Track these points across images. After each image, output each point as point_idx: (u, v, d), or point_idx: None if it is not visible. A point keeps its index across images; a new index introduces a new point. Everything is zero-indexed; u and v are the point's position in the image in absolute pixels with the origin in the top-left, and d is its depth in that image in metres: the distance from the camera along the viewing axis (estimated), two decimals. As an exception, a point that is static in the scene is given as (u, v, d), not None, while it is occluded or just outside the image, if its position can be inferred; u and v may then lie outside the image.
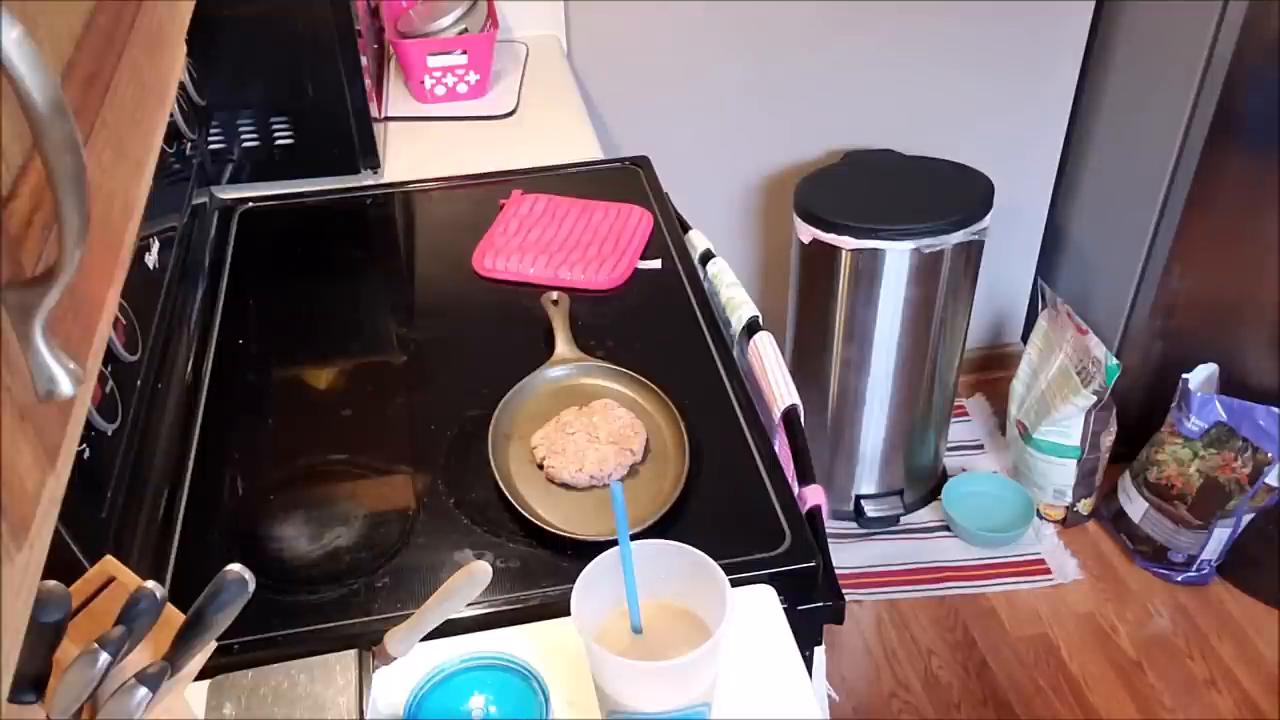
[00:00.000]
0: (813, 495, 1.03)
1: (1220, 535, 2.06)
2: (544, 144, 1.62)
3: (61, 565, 0.77)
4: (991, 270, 2.36)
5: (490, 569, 0.77)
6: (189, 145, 1.35)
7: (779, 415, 1.14)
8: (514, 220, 1.39)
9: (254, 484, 1.07)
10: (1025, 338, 2.43)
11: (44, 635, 0.57)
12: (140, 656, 0.65)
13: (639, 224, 1.38)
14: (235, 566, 0.63)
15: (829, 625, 0.99)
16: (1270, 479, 1.97)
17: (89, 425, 0.88)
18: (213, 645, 0.68)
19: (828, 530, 1.01)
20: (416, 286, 1.37)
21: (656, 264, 1.33)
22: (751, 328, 1.24)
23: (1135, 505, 2.16)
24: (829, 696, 1.07)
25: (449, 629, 0.85)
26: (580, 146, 1.62)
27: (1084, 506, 2.27)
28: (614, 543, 0.75)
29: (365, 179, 1.54)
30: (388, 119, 1.69)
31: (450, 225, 1.45)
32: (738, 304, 1.27)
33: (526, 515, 0.98)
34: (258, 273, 1.37)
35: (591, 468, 1.01)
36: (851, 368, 2.13)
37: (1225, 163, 1.94)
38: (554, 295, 1.24)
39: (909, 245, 1.94)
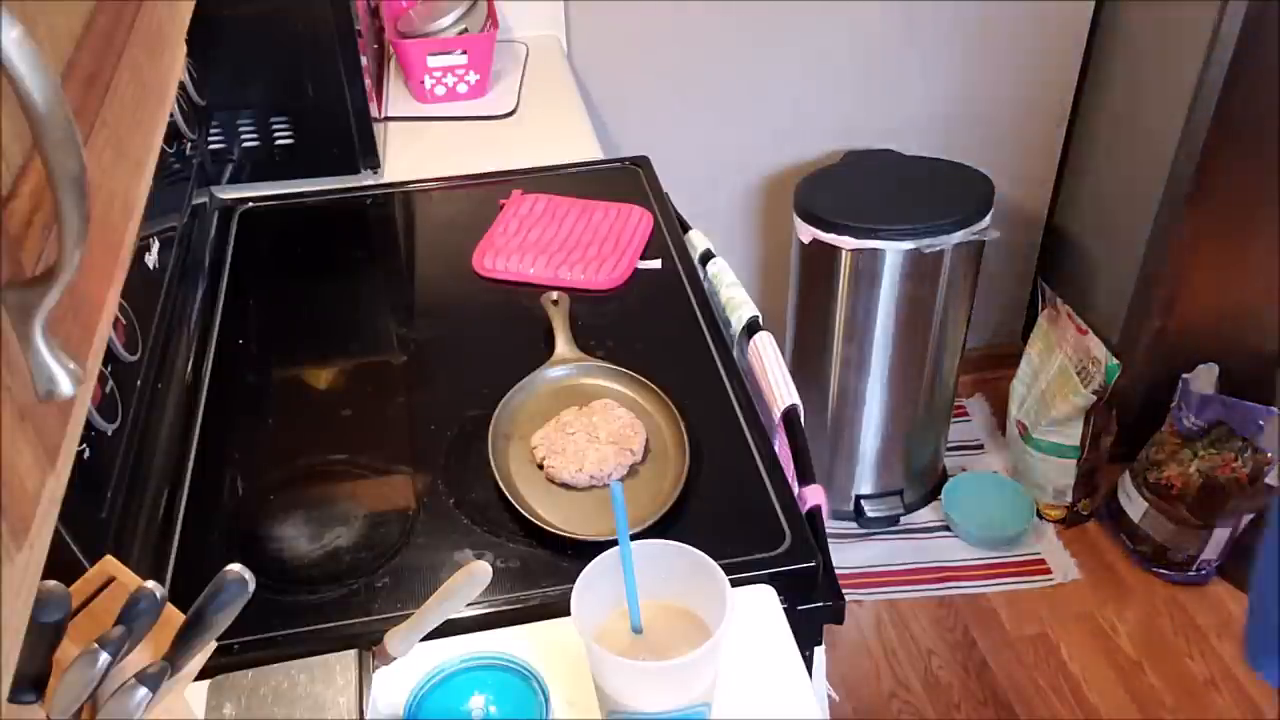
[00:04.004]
0: (813, 495, 1.03)
1: (1220, 535, 2.06)
2: (544, 144, 1.62)
3: (61, 565, 0.77)
4: (991, 270, 2.36)
5: (490, 569, 0.77)
6: (189, 145, 1.34)
7: (779, 415, 1.14)
8: (514, 220, 1.39)
9: (254, 484, 1.07)
10: (1025, 338, 2.43)
11: (44, 635, 0.57)
12: (140, 656, 0.65)
13: (639, 224, 1.38)
14: (235, 566, 0.63)
15: (829, 625, 0.99)
16: (1270, 479, 1.97)
17: (89, 425, 0.88)
18: (213, 645, 0.68)
19: (828, 530, 1.01)
20: (416, 286, 1.37)
21: (656, 264, 1.33)
22: (751, 328, 1.24)
23: (1135, 505, 2.16)
24: (829, 696, 1.07)
25: (449, 629, 0.85)
26: (580, 146, 1.62)
27: (1084, 506, 2.27)
28: (614, 543, 0.75)
29: (365, 179, 1.54)
30: (388, 119, 1.69)
31: (450, 225, 1.45)
32: (738, 304, 1.27)
33: (526, 515, 0.98)
34: (258, 273, 1.37)
35: (591, 468, 1.01)
36: (851, 367, 2.13)
37: (1225, 163, 1.94)
38: (554, 295, 1.24)
39: (909, 245, 1.94)
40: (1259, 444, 1.97)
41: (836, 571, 0.98)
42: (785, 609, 0.93)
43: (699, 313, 1.25)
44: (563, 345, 1.17)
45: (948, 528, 2.29)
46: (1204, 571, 2.13)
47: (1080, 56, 2.21)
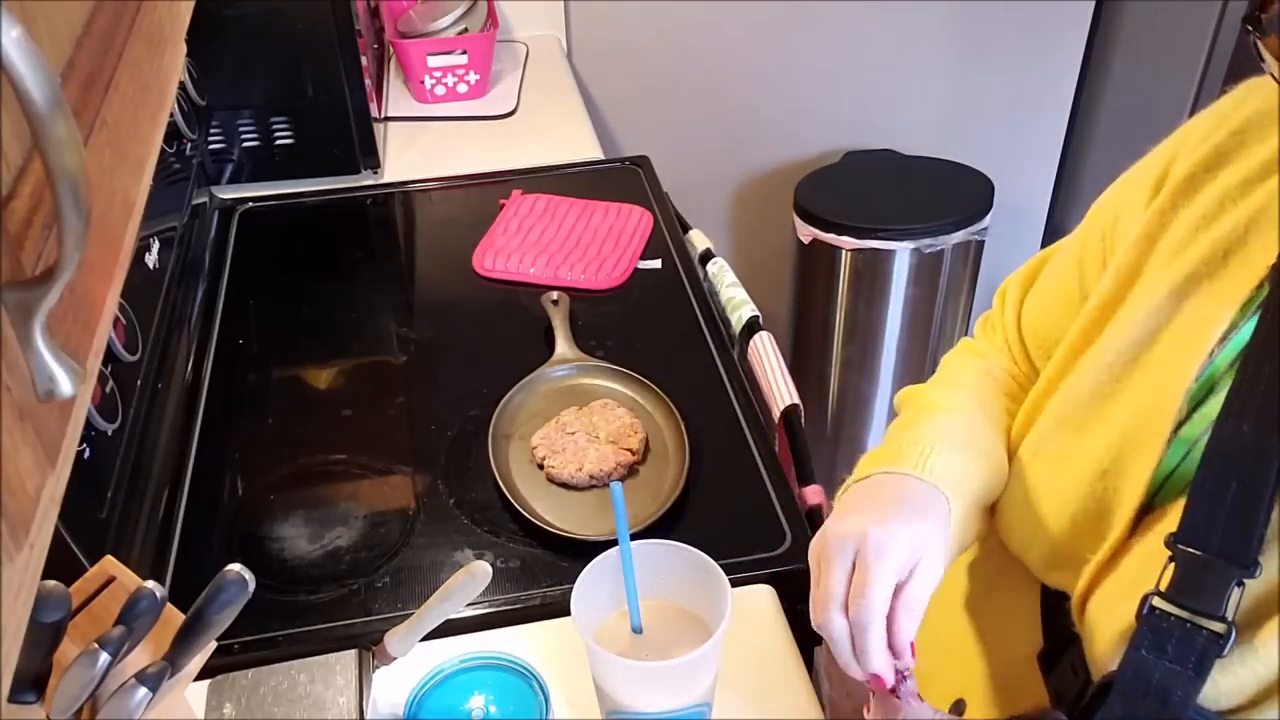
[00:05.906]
0: (813, 495, 1.03)
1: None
2: (544, 144, 1.62)
3: (61, 565, 0.77)
4: (991, 270, 2.36)
5: (490, 569, 0.77)
6: (189, 145, 1.34)
7: (779, 415, 1.14)
8: (514, 220, 1.39)
9: (254, 484, 1.07)
10: (1025, 338, 2.43)
11: (44, 635, 0.57)
12: (140, 656, 0.65)
13: (639, 224, 1.38)
14: (235, 566, 0.63)
15: (829, 625, 0.98)
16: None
17: (89, 425, 0.88)
18: (213, 645, 0.67)
19: (828, 530, 1.01)
20: (416, 286, 1.37)
21: (656, 264, 1.33)
22: (751, 328, 1.24)
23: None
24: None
25: (449, 629, 0.85)
26: (580, 146, 1.62)
27: (1084, 506, 2.26)
28: (614, 543, 0.75)
29: (365, 179, 1.54)
30: (388, 119, 1.69)
31: (450, 225, 1.45)
32: (738, 304, 1.27)
33: (526, 515, 0.98)
34: (258, 273, 1.37)
35: (591, 468, 1.01)
36: (852, 367, 2.13)
37: (1225, 163, 1.94)
38: (554, 295, 1.24)
39: (909, 245, 1.94)
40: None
41: (836, 571, 0.97)
42: (785, 609, 0.93)
43: (699, 313, 1.25)
44: (563, 345, 1.17)
45: (948, 528, 2.28)
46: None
47: (1080, 56, 2.21)
